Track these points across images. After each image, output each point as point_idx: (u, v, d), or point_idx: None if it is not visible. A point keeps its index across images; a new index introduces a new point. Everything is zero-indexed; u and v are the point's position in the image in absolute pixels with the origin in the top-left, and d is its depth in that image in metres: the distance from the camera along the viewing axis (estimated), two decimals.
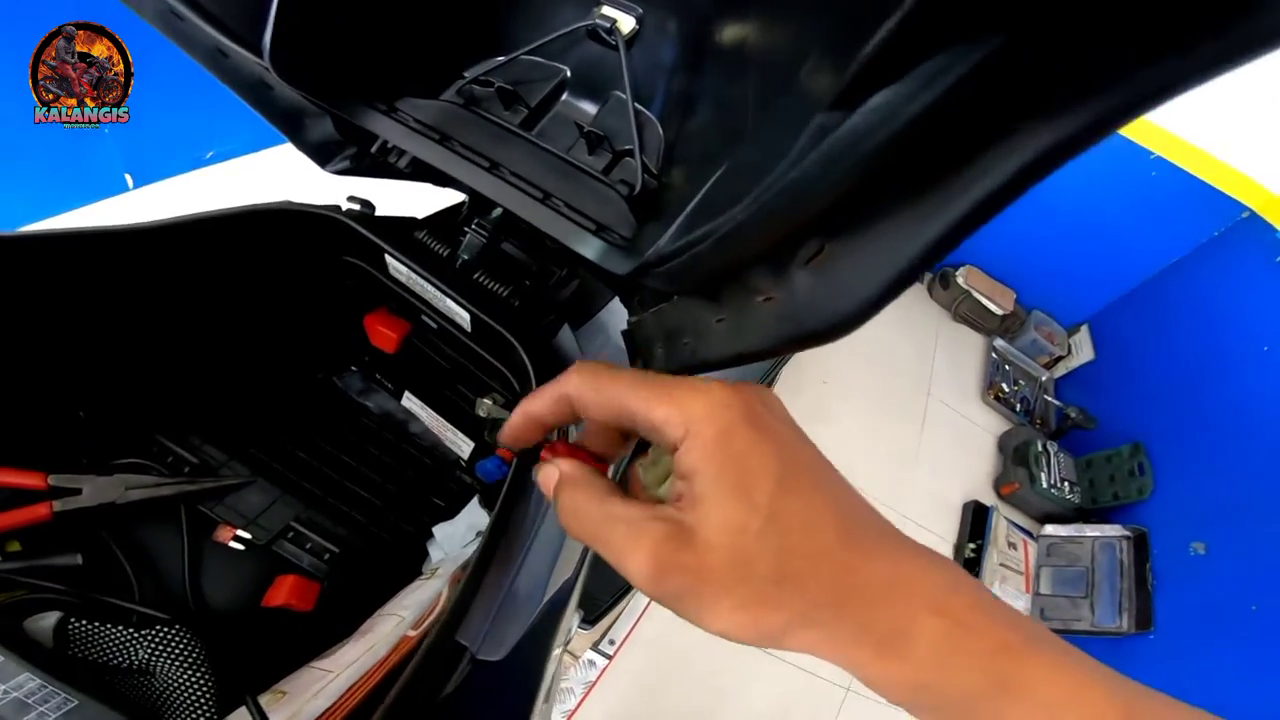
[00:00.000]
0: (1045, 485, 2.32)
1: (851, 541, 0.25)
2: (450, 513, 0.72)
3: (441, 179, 0.71)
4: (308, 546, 0.62)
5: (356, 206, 0.63)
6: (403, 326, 0.72)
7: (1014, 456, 2.43)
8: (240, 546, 0.60)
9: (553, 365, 0.53)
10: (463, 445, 0.77)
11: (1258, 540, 1.75)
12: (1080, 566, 2.10)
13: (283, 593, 0.57)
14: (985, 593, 0.26)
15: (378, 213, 0.64)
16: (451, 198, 0.70)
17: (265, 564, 0.60)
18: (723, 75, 0.43)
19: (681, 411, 0.26)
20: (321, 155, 0.62)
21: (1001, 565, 2.06)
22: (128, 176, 1.77)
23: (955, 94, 0.15)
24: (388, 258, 0.58)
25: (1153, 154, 2.26)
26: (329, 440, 0.73)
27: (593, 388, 0.30)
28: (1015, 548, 2.15)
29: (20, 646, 0.29)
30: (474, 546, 0.57)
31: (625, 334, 0.50)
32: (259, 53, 0.49)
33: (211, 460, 0.62)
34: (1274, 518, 1.74)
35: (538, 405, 0.32)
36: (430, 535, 0.67)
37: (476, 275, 0.60)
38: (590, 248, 0.47)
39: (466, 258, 0.60)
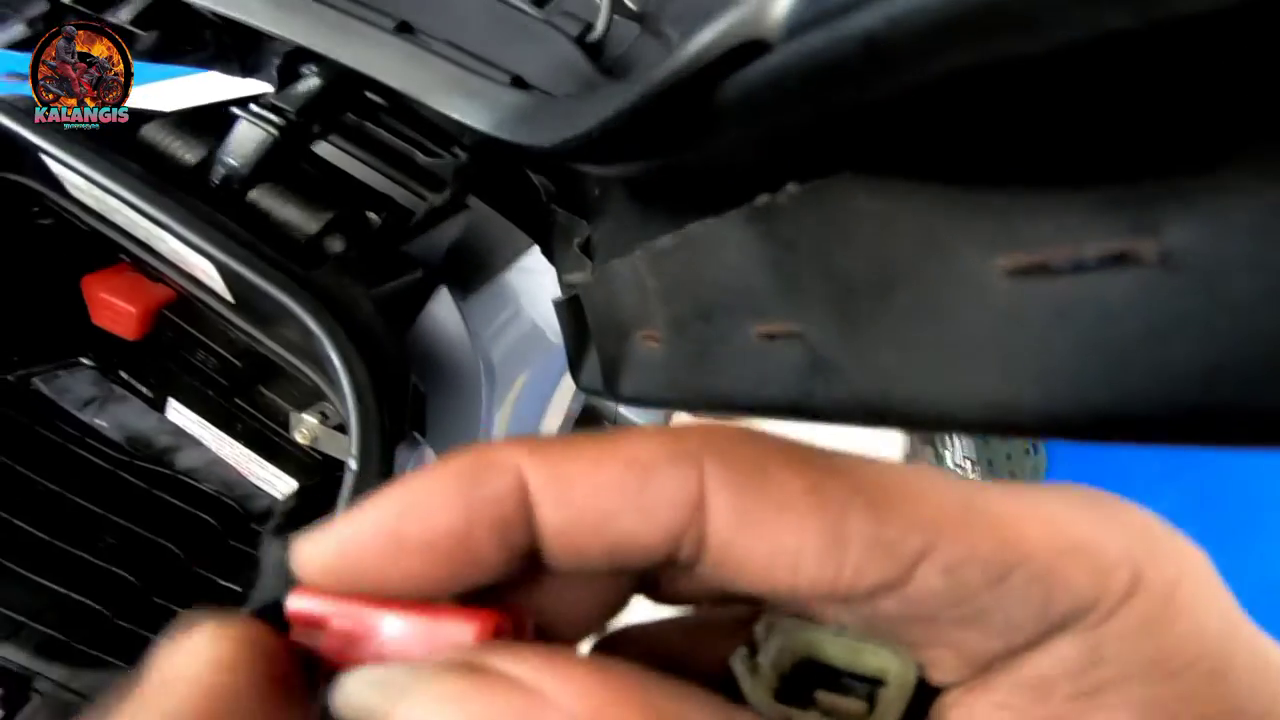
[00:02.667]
0: (951, 464, 2.32)
1: None
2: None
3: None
4: None
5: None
6: (153, 294, 0.42)
7: (921, 435, 2.41)
8: None
9: (397, 362, 0.26)
10: (277, 484, 0.48)
11: None
12: None
13: None
14: None
15: None
16: None
17: None
18: None
19: (1117, 537, 0.10)
20: None
21: None
22: None
23: None
24: (50, 161, 0.28)
25: None
26: (12, 492, 0.41)
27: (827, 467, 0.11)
28: None
29: None
30: None
31: (565, 305, 0.25)
32: None
33: None
34: (1157, 495, 1.77)
35: (571, 492, 0.11)
36: None
37: (258, 197, 0.31)
38: (482, 109, 0.21)
39: (234, 164, 0.31)
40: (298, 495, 0.47)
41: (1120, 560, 0.10)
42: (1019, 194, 0.08)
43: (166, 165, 0.33)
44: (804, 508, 0.10)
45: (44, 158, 0.29)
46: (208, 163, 0.32)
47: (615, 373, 0.23)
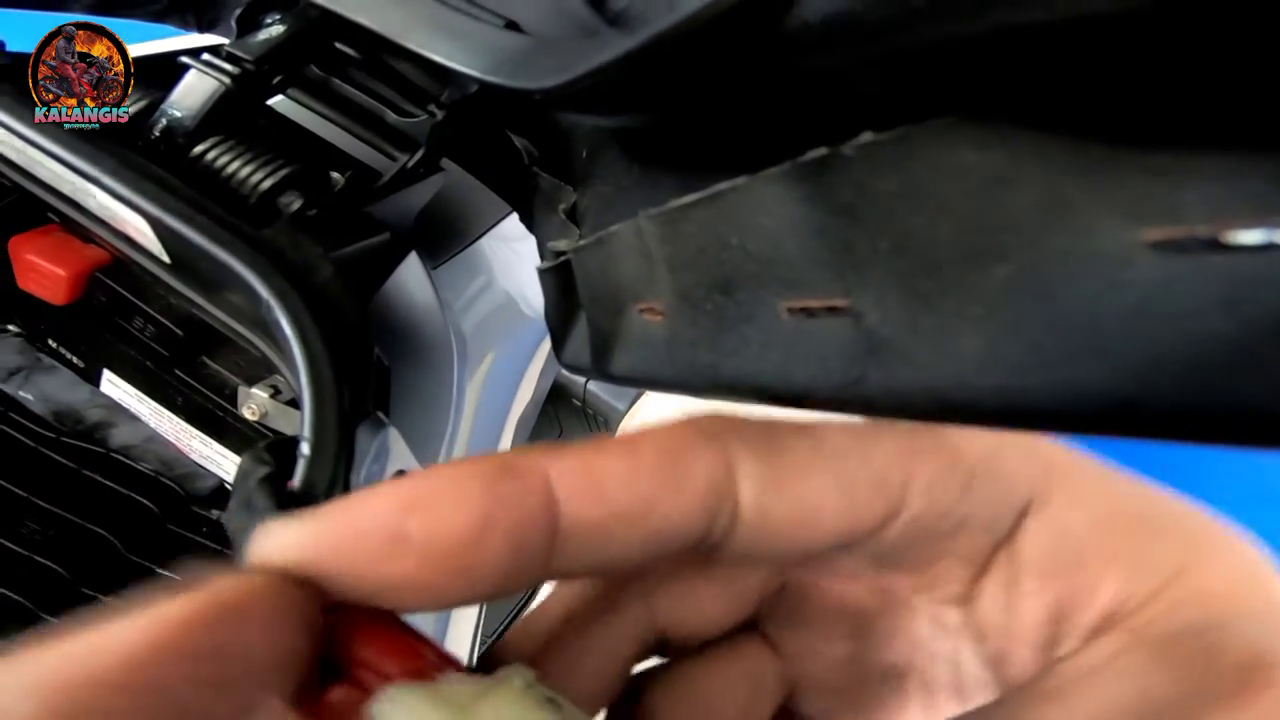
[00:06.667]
0: None
1: None
2: None
3: None
4: None
5: None
6: (84, 256, 0.38)
7: None
8: None
9: (359, 332, 0.24)
10: (224, 464, 0.45)
11: None
12: None
13: None
14: None
15: None
16: None
17: None
18: None
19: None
20: None
21: None
22: None
23: None
24: None
25: None
26: None
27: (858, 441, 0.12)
28: None
29: None
30: None
31: (552, 272, 0.23)
32: None
33: None
34: None
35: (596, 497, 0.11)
36: None
37: (205, 151, 0.28)
38: (472, 52, 0.18)
39: (178, 116, 0.28)
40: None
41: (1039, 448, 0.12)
42: (1185, 152, 0.07)
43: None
44: (817, 467, 0.11)
45: None
46: (147, 115, 0.29)
47: (606, 349, 0.21)
